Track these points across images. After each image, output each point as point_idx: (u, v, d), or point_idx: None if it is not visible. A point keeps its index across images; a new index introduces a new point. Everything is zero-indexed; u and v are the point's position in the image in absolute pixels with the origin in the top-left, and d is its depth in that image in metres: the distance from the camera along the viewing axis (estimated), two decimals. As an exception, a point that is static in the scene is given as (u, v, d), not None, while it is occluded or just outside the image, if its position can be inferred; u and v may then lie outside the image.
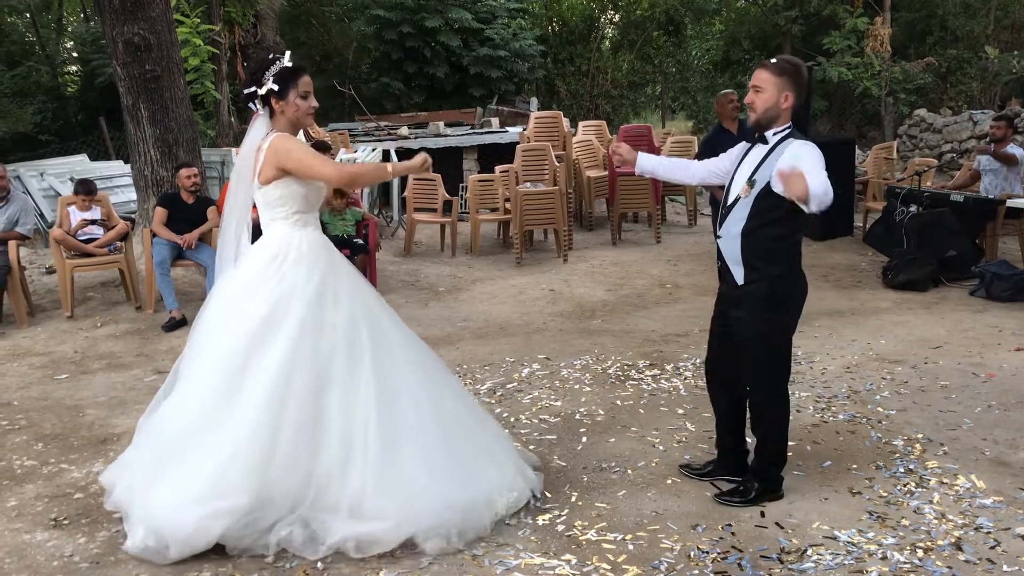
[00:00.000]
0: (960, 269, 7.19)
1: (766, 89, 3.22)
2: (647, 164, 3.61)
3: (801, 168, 2.98)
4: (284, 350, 3.08)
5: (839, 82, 13.92)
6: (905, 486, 3.53)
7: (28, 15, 15.58)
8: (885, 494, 3.47)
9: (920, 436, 4.04)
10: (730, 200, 3.32)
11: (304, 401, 3.06)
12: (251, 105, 3.27)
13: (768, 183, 3.16)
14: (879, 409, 4.41)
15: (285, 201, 3.24)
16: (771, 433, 3.40)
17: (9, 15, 15.44)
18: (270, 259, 3.21)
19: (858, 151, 12.69)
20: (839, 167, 9.19)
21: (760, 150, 3.28)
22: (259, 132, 3.25)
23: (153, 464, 3.16)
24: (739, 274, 3.30)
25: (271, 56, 3.29)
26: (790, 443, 3.96)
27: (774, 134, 3.26)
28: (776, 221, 3.20)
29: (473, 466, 3.27)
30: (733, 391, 3.51)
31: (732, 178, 3.37)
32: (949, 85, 15.34)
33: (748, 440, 3.62)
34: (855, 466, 3.74)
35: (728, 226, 3.30)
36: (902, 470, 3.68)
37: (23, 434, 4.38)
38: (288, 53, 3.33)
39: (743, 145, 3.44)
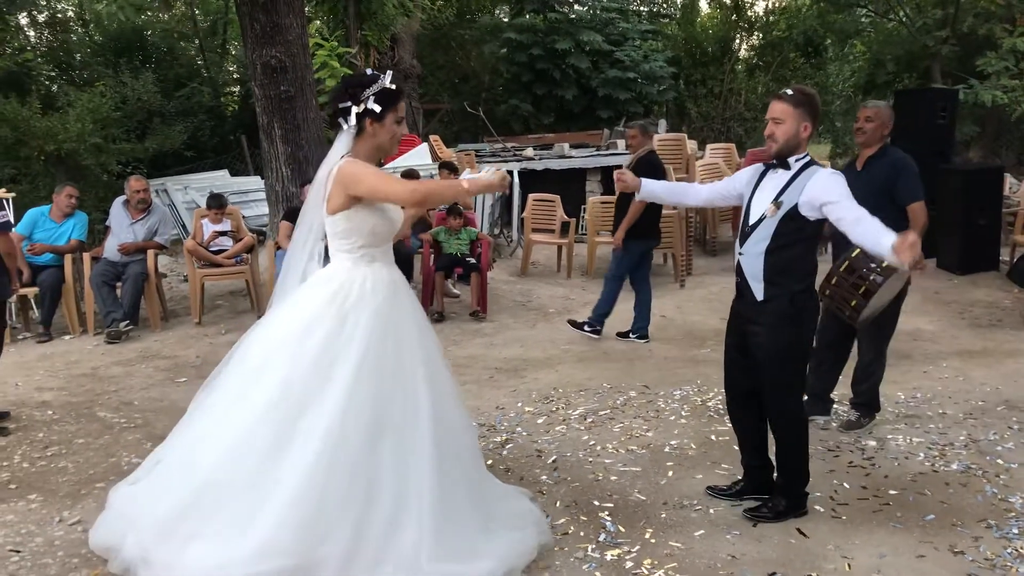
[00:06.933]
0: (1117, 312, 6.55)
1: (786, 121, 3.32)
2: (650, 189, 3.75)
3: (827, 199, 3.17)
4: (340, 399, 2.87)
5: (993, 106, 12.98)
6: (1017, 549, 3.21)
7: (197, 40, 16.81)
8: (992, 556, 3.16)
9: (1043, 495, 3.68)
10: (752, 220, 3.41)
11: (358, 453, 2.86)
12: (340, 120, 3.01)
13: (795, 205, 3.28)
14: (999, 461, 4.05)
15: (350, 234, 3.03)
16: (790, 450, 3.48)
17: (179, 40, 16.73)
18: (331, 296, 3.00)
19: (1012, 179, 11.78)
20: (983, 195, 8.59)
21: (782, 175, 3.37)
22: (338, 152, 3.02)
23: (183, 508, 2.89)
24: (759, 290, 3.38)
25: (371, 73, 3.04)
26: (891, 492, 3.73)
27: (796, 160, 3.36)
28: (798, 241, 3.33)
29: (512, 517, 3.28)
30: (753, 409, 3.58)
31: (750, 201, 3.47)
32: (1121, 110, 14.03)
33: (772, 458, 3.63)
34: (961, 523, 3.43)
35: (751, 244, 3.39)
36: (1016, 531, 3.35)
37: (136, 433, 4.66)
38: (390, 73, 3.08)
39: (756, 167, 3.53)
